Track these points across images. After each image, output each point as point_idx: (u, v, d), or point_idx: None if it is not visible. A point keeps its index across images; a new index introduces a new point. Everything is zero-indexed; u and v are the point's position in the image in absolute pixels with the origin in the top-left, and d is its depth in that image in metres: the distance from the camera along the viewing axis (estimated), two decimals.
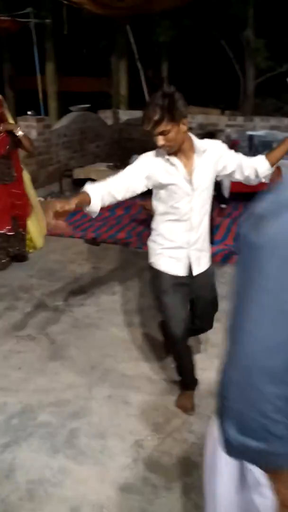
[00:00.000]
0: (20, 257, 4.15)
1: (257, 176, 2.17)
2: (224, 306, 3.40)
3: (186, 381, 2.38)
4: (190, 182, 1.99)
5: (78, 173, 6.98)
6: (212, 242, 4.62)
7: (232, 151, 2.13)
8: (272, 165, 2.18)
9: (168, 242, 2.11)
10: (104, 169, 6.93)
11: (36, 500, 1.82)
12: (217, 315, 3.26)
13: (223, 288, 3.71)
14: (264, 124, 8.12)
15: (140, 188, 2.00)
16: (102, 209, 1.97)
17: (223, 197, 5.51)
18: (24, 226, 4.14)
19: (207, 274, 2.23)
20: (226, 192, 5.55)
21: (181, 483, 1.91)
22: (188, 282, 2.16)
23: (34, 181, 4.77)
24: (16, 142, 3.77)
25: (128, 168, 2.00)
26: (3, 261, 3.99)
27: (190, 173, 1.98)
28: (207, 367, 2.67)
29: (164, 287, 2.14)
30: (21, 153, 3.98)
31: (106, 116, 8.88)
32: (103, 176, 7.20)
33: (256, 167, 2.14)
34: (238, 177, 2.16)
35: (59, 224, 1.82)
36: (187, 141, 1.96)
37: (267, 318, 0.74)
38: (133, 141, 8.09)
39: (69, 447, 2.08)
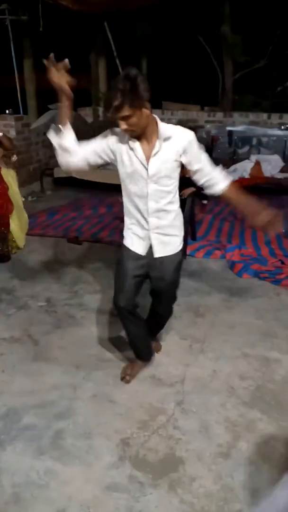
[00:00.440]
0: (3, 257, 4.10)
1: (210, 190, 2.15)
2: (206, 301, 3.44)
3: (134, 350, 2.54)
4: (145, 167, 2.00)
5: (59, 172, 6.92)
6: (194, 238, 4.69)
7: (202, 151, 2.08)
8: (227, 195, 2.16)
9: (132, 220, 2.19)
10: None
11: (22, 503, 1.81)
12: (201, 311, 3.30)
13: (206, 283, 3.75)
14: (243, 119, 8.20)
15: (105, 156, 2.05)
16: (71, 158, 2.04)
17: (204, 194, 5.52)
18: (6, 226, 4.09)
19: (171, 259, 2.25)
20: None
21: (168, 479, 1.91)
22: (147, 261, 2.23)
23: None
24: None
25: (98, 137, 2.07)
26: None
27: (147, 158, 1.99)
28: (191, 362, 2.70)
29: (123, 259, 2.25)
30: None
31: (86, 113, 8.83)
32: (84, 174, 7.19)
33: (214, 183, 2.11)
34: (195, 178, 2.12)
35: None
36: (151, 125, 1.94)
37: None
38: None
39: (54, 448, 2.07)
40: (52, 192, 7.00)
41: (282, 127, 7.78)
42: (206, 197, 5.75)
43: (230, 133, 7.76)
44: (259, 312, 3.29)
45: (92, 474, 1.94)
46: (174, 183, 2.11)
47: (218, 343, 2.89)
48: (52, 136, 2.03)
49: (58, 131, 2.00)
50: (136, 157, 1.99)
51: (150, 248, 2.20)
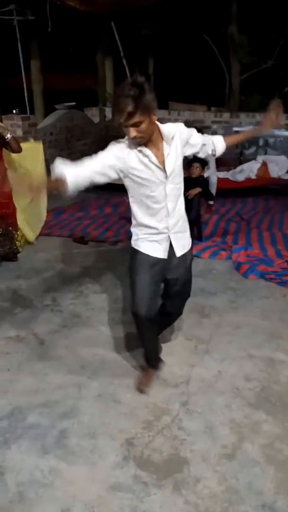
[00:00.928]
0: (11, 256, 4.12)
1: (213, 153, 2.30)
2: (212, 302, 3.43)
3: (147, 358, 2.50)
4: (163, 170, 2.01)
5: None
6: (200, 238, 4.68)
7: (193, 130, 2.19)
8: (228, 146, 2.32)
9: (148, 229, 2.15)
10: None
11: (27, 502, 1.81)
12: (206, 311, 3.29)
13: (211, 284, 3.74)
14: (250, 120, 8.16)
15: (114, 175, 2.04)
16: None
17: (211, 194, 5.51)
18: (13, 225, 4.11)
19: (186, 256, 2.28)
20: (213, 189, 5.56)
21: (172, 480, 1.91)
22: (165, 264, 2.21)
23: None
24: (3, 143, 3.74)
25: (102, 153, 2.02)
26: None
27: (162, 161, 2.01)
28: (196, 363, 2.69)
29: (139, 267, 2.19)
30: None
31: (93, 113, 8.83)
32: None
33: (214, 144, 2.27)
34: (201, 155, 2.30)
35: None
36: (156, 130, 1.98)
37: None
38: (120, 139, 8.08)
39: (59, 447, 2.08)
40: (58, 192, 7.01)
41: None
42: (212, 197, 5.75)
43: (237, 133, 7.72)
44: (265, 313, 3.28)
45: (96, 474, 1.94)
46: (182, 180, 2.17)
47: (223, 344, 2.88)
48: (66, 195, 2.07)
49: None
50: (152, 162, 1.98)
51: (170, 250, 2.19)
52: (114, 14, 8.34)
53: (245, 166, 7.01)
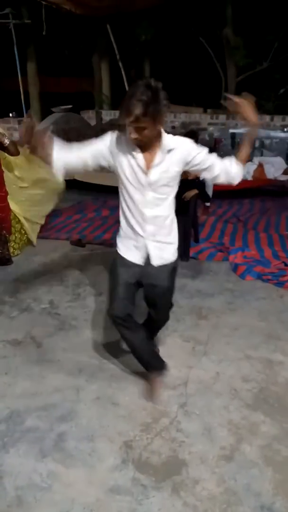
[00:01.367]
0: (4, 260, 4.11)
1: (229, 178, 2.12)
2: (209, 303, 3.43)
3: (142, 363, 2.40)
4: (146, 176, 2.00)
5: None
6: (197, 240, 4.68)
7: (204, 150, 2.07)
8: (244, 164, 2.12)
9: (127, 229, 2.17)
10: (92, 165, 6.89)
11: (25, 506, 1.81)
12: (203, 313, 3.30)
13: (208, 285, 3.75)
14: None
15: (102, 160, 2.05)
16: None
17: (207, 196, 5.52)
18: (7, 229, 4.11)
19: (167, 266, 2.23)
20: (209, 191, 5.57)
21: (171, 482, 1.91)
22: (141, 269, 2.19)
23: None
24: (1, 147, 3.74)
25: (97, 141, 2.05)
26: None
27: (148, 168, 1.99)
28: (194, 365, 2.69)
29: (115, 268, 2.22)
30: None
31: (89, 116, 8.85)
32: (87, 177, 7.23)
33: (228, 170, 2.09)
34: (207, 176, 2.14)
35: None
36: (158, 137, 1.95)
37: None
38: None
39: (57, 450, 2.07)
40: None
41: (285, 129, 7.77)
42: (208, 199, 5.76)
43: (233, 135, 7.75)
44: (262, 314, 3.28)
45: (95, 477, 1.94)
46: (172, 191, 2.11)
47: (221, 345, 2.89)
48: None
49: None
50: (138, 165, 1.99)
51: (147, 257, 2.18)
52: (110, 17, 8.37)
53: None
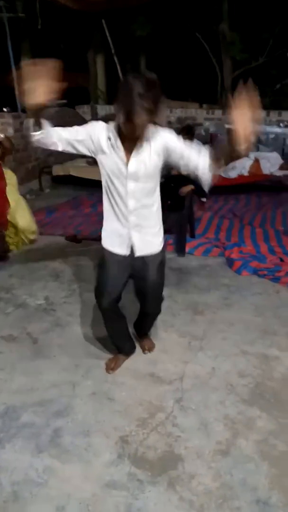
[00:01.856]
0: (2, 256, 4.09)
1: (198, 173, 2.01)
2: (205, 299, 3.43)
3: (116, 346, 2.63)
4: (125, 166, 1.97)
5: (57, 170, 6.92)
6: (193, 236, 4.68)
7: (181, 140, 2.01)
8: (215, 165, 1.96)
9: (111, 221, 2.17)
10: (83, 165, 6.88)
11: (21, 502, 1.80)
12: (199, 308, 3.30)
13: (204, 281, 3.75)
14: None
15: (82, 146, 2.01)
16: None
17: (203, 191, 5.51)
18: (3, 224, 4.09)
19: (152, 259, 2.23)
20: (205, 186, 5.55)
21: (167, 477, 1.91)
22: (129, 262, 2.21)
23: None
24: None
25: (80, 127, 2.01)
26: None
27: (128, 158, 1.96)
28: (190, 360, 2.69)
29: (102, 261, 2.27)
30: None
31: (84, 111, 8.81)
32: (82, 172, 7.19)
33: (198, 166, 1.98)
34: (183, 169, 2.06)
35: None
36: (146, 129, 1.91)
37: None
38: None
39: (53, 446, 2.07)
40: (50, 190, 6.99)
41: (281, 125, 7.77)
42: (204, 195, 5.74)
43: (229, 130, 7.73)
44: (258, 310, 3.29)
45: (91, 472, 1.93)
46: (154, 182, 2.09)
47: (217, 341, 2.89)
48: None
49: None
50: (118, 156, 1.96)
51: (132, 248, 2.18)
52: (106, 12, 8.30)
53: (237, 163, 7.01)
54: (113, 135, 1.95)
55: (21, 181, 6.28)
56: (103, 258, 2.26)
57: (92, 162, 6.47)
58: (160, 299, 2.48)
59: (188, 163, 2.00)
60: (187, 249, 4.33)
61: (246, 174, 6.86)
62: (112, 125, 1.96)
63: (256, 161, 6.97)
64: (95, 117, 8.73)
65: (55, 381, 2.50)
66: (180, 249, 4.31)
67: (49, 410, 2.28)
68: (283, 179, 6.78)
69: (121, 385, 2.46)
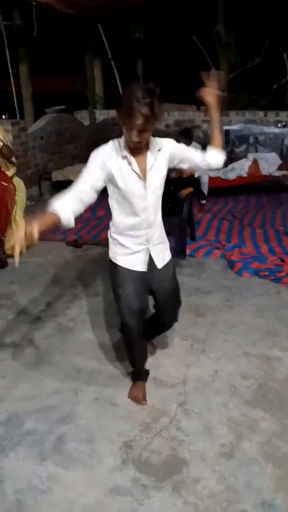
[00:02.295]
0: (0, 264, 4.10)
1: (210, 167, 2.23)
2: (206, 301, 3.43)
3: (138, 372, 2.44)
4: (144, 180, 1.97)
5: (57, 176, 6.93)
6: (194, 238, 4.68)
7: (184, 146, 2.14)
8: (221, 149, 2.20)
9: (127, 240, 2.11)
10: (83, 170, 6.89)
11: (25, 510, 1.80)
12: (201, 310, 3.29)
13: (206, 283, 3.75)
14: (240, 118, 8.20)
15: (102, 183, 1.98)
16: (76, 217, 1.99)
17: (202, 193, 5.52)
18: (1, 232, 4.10)
19: (167, 266, 2.23)
20: (205, 188, 5.57)
21: (171, 481, 1.90)
22: (147, 275, 2.17)
23: None
24: None
25: (86, 168, 1.97)
26: None
27: (143, 171, 1.96)
28: (193, 363, 2.69)
29: (120, 280, 2.14)
30: None
31: (82, 116, 8.83)
32: None
33: (209, 161, 2.17)
34: (185, 167, 2.20)
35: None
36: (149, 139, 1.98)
37: None
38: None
39: (57, 453, 2.06)
40: (50, 196, 6.99)
41: (279, 125, 7.78)
42: (204, 197, 5.75)
43: (227, 132, 7.74)
44: (260, 311, 3.28)
45: (95, 478, 1.93)
46: (162, 192, 2.12)
47: (219, 343, 2.89)
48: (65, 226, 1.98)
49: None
50: (133, 171, 1.94)
51: (150, 262, 2.16)
52: (101, 16, 8.34)
53: (236, 164, 7.03)
54: (125, 152, 1.93)
55: None
56: (118, 276, 2.16)
57: None
58: (179, 304, 2.42)
59: (192, 161, 2.14)
60: (187, 251, 4.33)
61: (245, 175, 6.86)
62: (117, 143, 1.96)
63: (255, 162, 6.97)
64: (93, 122, 8.75)
65: (57, 388, 2.50)
66: (180, 252, 4.31)
67: (52, 416, 2.28)
68: (282, 180, 6.78)
69: (124, 390, 2.46)
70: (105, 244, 4.73)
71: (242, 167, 6.92)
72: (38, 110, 9.24)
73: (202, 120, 8.36)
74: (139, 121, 1.78)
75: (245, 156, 7.29)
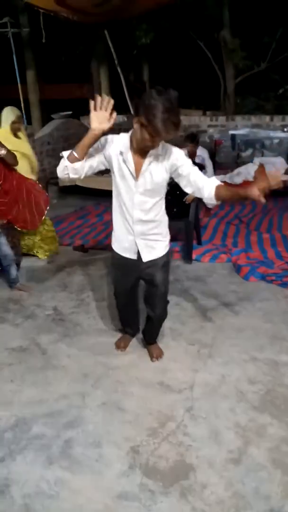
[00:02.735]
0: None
1: (198, 194, 2.12)
2: (213, 306, 3.42)
3: (123, 328, 2.90)
4: (135, 179, 2.10)
5: (64, 181, 6.96)
6: (200, 242, 4.68)
7: (190, 163, 2.11)
8: (217, 199, 2.05)
9: (118, 228, 2.33)
10: (89, 175, 6.92)
11: None
12: (208, 315, 3.29)
13: (212, 288, 3.74)
14: (246, 122, 8.20)
15: (101, 166, 2.16)
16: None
17: None
18: (35, 227, 4.09)
19: (159, 260, 2.36)
20: None
21: (178, 487, 1.90)
22: (136, 263, 2.36)
23: None
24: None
25: (96, 148, 2.10)
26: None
27: (137, 172, 2.08)
28: (200, 368, 2.68)
29: (113, 262, 2.51)
30: None
31: (89, 122, 8.87)
32: (89, 182, 7.24)
33: (202, 192, 2.09)
34: (188, 190, 2.17)
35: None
36: None
37: None
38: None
39: (64, 457, 2.07)
40: (57, 200, 7.04)
41: (285, 129, 7.77)
42: None
43: (233, 136, 7.75)
44: (267, 315, 3.27)
45: (102, 483, 1.93)
46: (160, 196, 2.21)
47: (226, 348, 2.88)
48: (65, 158, 2.07)
49: (72, 158, 2.04)
50: (128, 168, 2.08)
51: (138, 253, 2.33)
52: (108, 23, 8.40)
53: (242, 168, 7.03)
54: (125, 149, 2.05)
55: None
56: (113, 261, 2.49)
57: (99, 172, 6.51)
58: (165, 299, 2.58)
59: (192, 187, 2.12)
60: (194, 256, 4.33)
61: (251, 179, 6.85)
62: (124, 137, 2.05)
63: (261, 166, 6.96)
64: None
65: (64, 392, 2.50)
66: (187, 256, 4.32)
67: (59, 421, 2.28)
68: None
69: (131, 395, 2.46)
70: (112, 248, 4.73)
71: (248, 172, 6.90)
72: (45, 115, 9.32)
73: (208, 124, 8.37)
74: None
75: (251, 161, 7.30)
